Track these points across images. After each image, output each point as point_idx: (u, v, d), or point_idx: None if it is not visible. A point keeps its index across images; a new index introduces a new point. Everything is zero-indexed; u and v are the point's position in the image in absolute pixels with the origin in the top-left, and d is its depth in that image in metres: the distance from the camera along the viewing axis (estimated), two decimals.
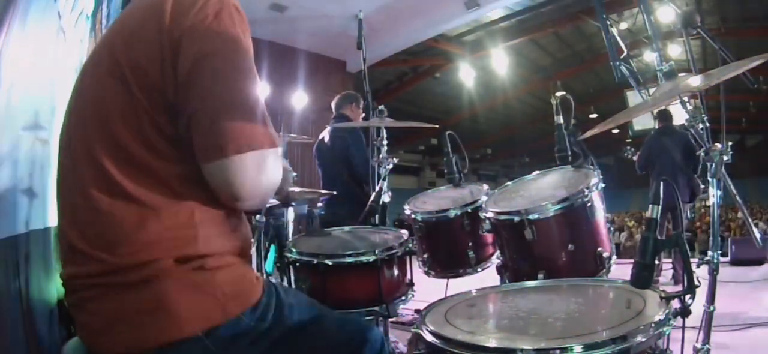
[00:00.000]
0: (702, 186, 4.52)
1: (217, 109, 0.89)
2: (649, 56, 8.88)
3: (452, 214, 1.92)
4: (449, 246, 1.99)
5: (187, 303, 0.89)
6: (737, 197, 1.41)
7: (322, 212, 3.56)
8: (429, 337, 1.01)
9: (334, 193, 3.26)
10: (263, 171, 0.93)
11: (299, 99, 7.95)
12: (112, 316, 0.89)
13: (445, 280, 2.08)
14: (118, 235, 0.89)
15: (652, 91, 1.50)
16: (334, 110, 3.72)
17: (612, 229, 1.67)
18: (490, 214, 1.65)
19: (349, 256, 1.66)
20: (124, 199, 0.89)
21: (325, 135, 3.68)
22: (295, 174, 2.40)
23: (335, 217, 3.18)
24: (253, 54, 0.96)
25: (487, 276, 1.85)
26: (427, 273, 2.03)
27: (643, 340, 0.86)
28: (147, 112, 0.89)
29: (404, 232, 1.90)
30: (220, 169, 0.89)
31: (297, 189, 2.41)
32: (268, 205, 2.57)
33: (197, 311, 0.89)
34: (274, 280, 1.12)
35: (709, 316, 1.28)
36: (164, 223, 0.90)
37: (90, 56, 1.04)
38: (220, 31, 0.91)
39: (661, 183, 0.98)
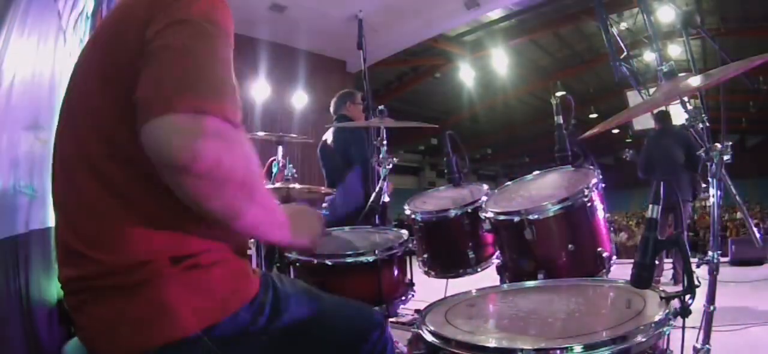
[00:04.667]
0: (703, 184, 4.51)
1: (172, 64, 0.80)
2: (649, 56, 8.89)
3: (452, 214, 1.92)
4: (449, 246, 1.99)
5: (185, 302, 0.88)
6: (737, 197, 1.41)
7: (327, 213, 3.56)
8: (429, 337, 1.01)
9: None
10: (223, 144, 0.79)
11: (299, 99, 7.96)
12: (111, 318, 0.89)
13: (445, 280, 2.07)
14: (113, 235, 0.88)
15: (652, 91, 1.50)
16: (333, 113, 3.72)
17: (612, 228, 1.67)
18: (490, 214, 1.65)
19: (349, 256, 1.66)
20: (117, 198, 0.89)
21: (328, 136, 3.68)
22: (294, 172, 2.41)
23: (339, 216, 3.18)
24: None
25: (487, 276, 1.85)
26: (427, 273, 2.03)
27: (643, 340, 0.86)
28: (132, 110, 0.87)
29: (404, 232, 1.90)
30: (163, 126, 0.76)
31: (297, 186, 2.42)
32: None
33: (195, 310, 0.89)
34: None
35: (709, 316, 1.28)
36: (157, 221, 0.89)
37: (79, 57, 1.03)
38: (195, 9, 0.86)
39: (662, 183, 0.98)
